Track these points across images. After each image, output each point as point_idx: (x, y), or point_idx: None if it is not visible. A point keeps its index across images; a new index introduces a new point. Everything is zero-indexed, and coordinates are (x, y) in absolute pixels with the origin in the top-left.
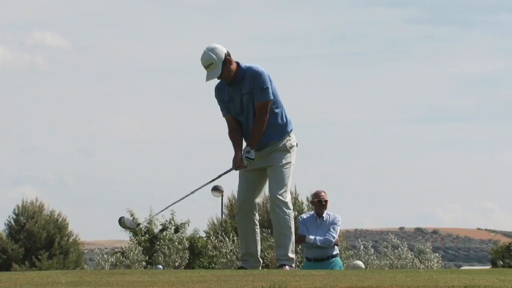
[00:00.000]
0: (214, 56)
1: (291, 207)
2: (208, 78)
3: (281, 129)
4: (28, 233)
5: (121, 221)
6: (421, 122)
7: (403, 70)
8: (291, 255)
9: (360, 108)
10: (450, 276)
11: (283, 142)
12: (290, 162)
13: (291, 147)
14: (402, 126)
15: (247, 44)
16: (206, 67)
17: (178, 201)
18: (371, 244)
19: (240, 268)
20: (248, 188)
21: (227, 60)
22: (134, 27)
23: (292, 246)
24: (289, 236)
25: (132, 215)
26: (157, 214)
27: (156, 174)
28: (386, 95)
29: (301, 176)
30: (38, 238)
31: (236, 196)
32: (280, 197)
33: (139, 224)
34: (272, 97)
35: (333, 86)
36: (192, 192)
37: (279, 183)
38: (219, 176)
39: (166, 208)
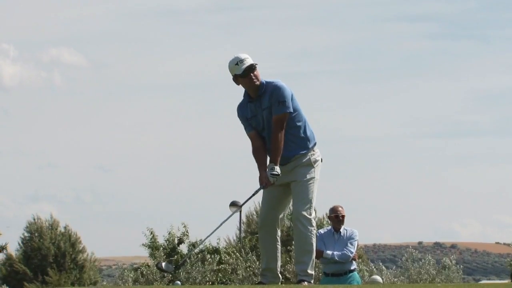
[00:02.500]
0: (247, 56)
1: (314, 224)
2: (244, 68)
3: (304, 143)
4: (39, 251)
5: (159, 267)
6: (439, 137)
7: (421, 86)
8: (310, 271)
9: (378, 124)
10: None
11: (307, 157)
12: (314, 177)
13: (315, 161)
14: (420, 141)
15: (264, 60)
16: (238, 63)
17: (215, 230)
18: (380, 260)
19: (259, 283)
20: (271, 204)
21: (255, 67)
22: (151, 44)
23: (312, 262)
24: (310, 253)
25: (152, 233)
26: (200, 245)
27: (174, 191)
28: (404, 110)
29: (320, 191)
30: (49, 255)
31: (259, 212)
32: (305, 214)
33: (176, 266)
34: (289, 110)
35: (351, 101)
36: (226, 219)
37: (303, 199)
38: (249, 198)
39: (206, 238)
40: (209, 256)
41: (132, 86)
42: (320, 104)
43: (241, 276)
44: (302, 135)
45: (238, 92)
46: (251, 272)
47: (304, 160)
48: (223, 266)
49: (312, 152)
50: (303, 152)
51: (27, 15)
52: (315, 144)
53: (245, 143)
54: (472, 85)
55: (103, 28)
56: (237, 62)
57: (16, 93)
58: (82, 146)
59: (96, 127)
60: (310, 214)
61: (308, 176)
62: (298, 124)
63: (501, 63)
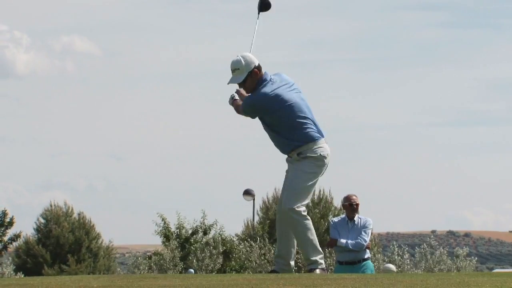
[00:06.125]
0: (243, 62)
1: (303, 214)
2: (230, 81)
3: (286, 146)
4: (56, 238)
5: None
6: (452, 126)
7: (434, 74)
8: (314, 257)
9: (391, 112)
10: (482, 279)
11: (305, 151)
12: (306, 172)
13: (313, 157)
14: (433, 129)
15: (278, 49)
16: (232, 71)
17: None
18: (406, 249)
19: (272, 271)
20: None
21: (253, 72)
22: (164, 32)
23: (313, 248)
24: (307, 241)
25: (163, 219)
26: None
27: (187, 179)
28: (417, 98)
29: (333, 179)
30: (65, 243)
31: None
32: (291, 206)
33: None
34: (241, 113)
35: (364, 90)
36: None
37: (290, 191)
38: None
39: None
40: (217, 246)
41: (144, 74)
42: (333, 93)
43: (254, 264)
44: (283, 139)
45: None
46: (265, 260)
47: (302, 155)
48: (237, 252)
49: (313, 147)
50: (288, 150)
51: (39, 4)
52: (315, 139)
53: (258, 132)
54: (485, 74)
55: (115, 16)
56: (233, 70)
57: (30, 81)
58: (95, 134)
59: (109, 115)
60: (297, 206)
61: (301, 169)
62: (277, 130)
63: None
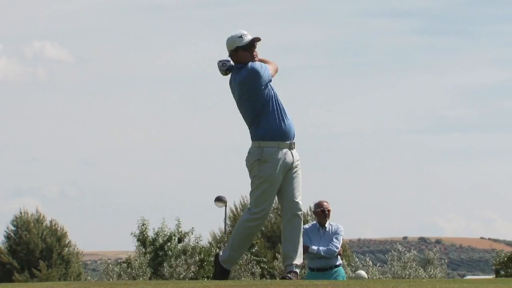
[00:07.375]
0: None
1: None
2: (244, 40)
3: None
4: (26, 245)
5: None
6: (424, 132)
7: (406, 81)
8: (298, 262)
9: (363, 119)
10: (453, 285)
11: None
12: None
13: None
14: (404, 136)
15: None
16: (240, 37)
17: None
18: (368, 257)
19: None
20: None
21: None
22: (137, 39)
23: (300, 251)
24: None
25: (144, 224)
26: None
27: (159, 185)
28: (389, 105)
29: (303, 186)
30: (36, 249)
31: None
32: (301, 203)
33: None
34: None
35: (336, 96)
36: None
37: (299, 187)
38: None
39: None
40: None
41: (117, 81)
42: (305, 99)
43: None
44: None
45: (225, 87)
46: (238, 267)
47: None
48: (206, 259)
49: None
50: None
51: (11, 10)
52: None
53: (232, 138)
54: (457, 80)
55: (88, 23)
56: (241, 35)
57: (1, 88)
58: (67, 141)
59: (81, 121)
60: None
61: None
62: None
63: (486, 58)
